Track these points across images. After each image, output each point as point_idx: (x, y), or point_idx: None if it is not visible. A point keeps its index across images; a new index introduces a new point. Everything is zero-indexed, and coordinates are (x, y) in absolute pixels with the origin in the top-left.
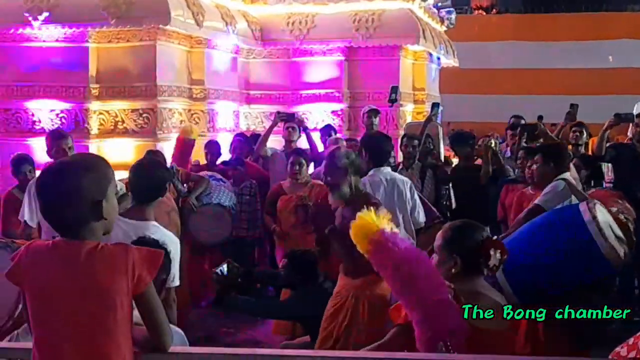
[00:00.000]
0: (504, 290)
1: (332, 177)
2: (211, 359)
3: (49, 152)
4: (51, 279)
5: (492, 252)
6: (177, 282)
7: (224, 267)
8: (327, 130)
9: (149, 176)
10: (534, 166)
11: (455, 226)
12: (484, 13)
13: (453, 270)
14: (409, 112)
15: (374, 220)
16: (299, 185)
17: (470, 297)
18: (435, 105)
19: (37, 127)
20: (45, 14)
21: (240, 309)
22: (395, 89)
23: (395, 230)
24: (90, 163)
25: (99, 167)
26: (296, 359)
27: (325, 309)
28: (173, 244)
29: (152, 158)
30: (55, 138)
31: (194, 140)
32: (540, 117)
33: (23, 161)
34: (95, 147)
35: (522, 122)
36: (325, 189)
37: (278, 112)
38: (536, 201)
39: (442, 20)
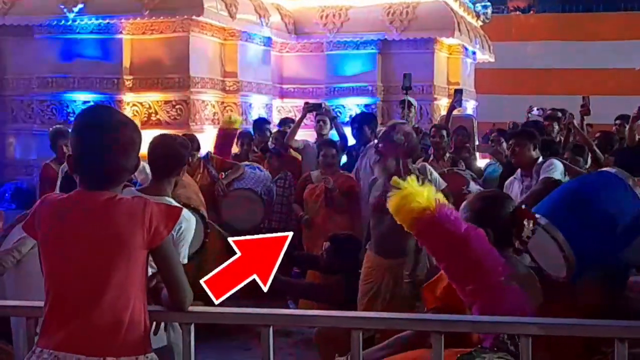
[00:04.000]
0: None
1: (383, 146)
2: (230, 319)
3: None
4: (67, 228)
5: (525, 223)
6: (184, 260)
7: None
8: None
9: (165, 151)
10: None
11: (486, 196)
12: (521, 14)
13: None
14: (444, 107)
15: (422, 194)
16: (328, 174)
17: None
18: (457, 92)
19: (72, 119)
20: (80, 6)
21: (280, 289)
22: (408, 76)
23: (445, 202)
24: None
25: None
26: (314, 319)
27: None
28: (186, 221)
29: (168, 134)
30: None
31: (237, 130)
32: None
33: (60, 135)
34: None
35: (559, 114)
36: (350, 180)
37: (306, 103)
38: (544, 175)
39: (477, 15)
